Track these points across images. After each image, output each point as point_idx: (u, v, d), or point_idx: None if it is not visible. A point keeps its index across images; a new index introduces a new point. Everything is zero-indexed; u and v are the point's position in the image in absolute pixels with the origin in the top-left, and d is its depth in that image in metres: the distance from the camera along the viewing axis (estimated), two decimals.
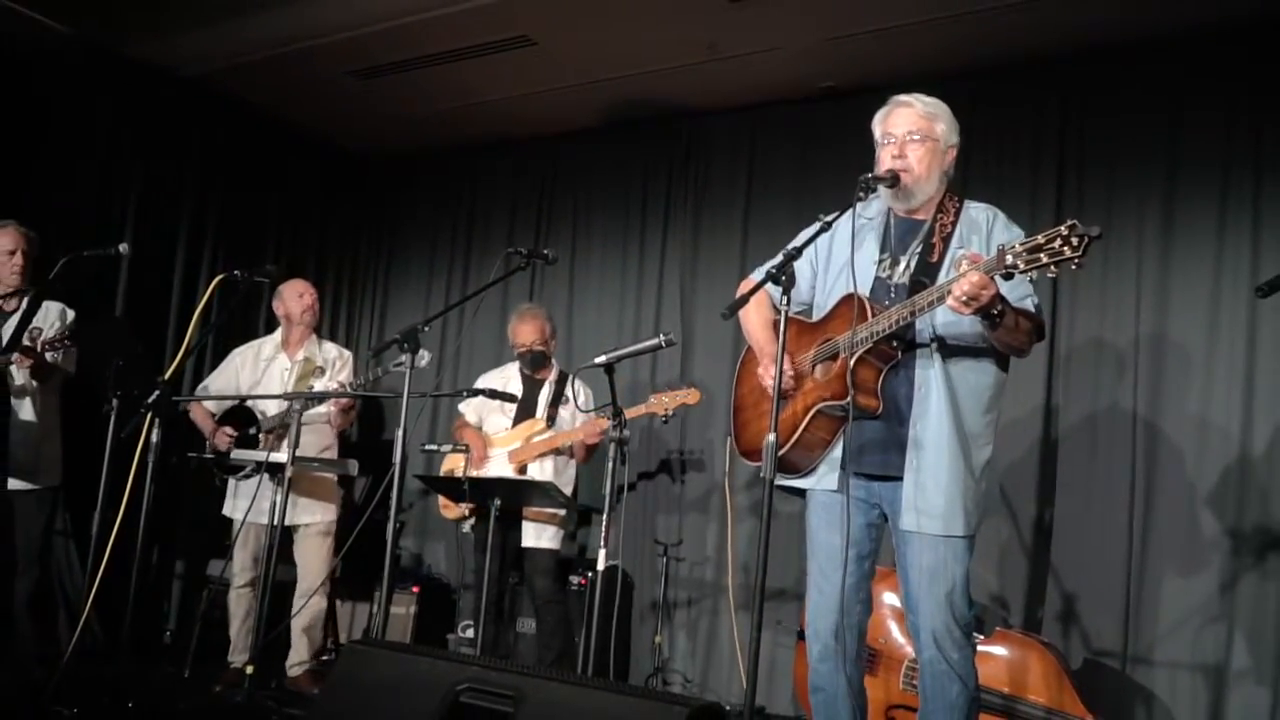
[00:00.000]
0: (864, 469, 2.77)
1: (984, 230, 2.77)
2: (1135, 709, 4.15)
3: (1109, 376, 4.47)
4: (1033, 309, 2.68)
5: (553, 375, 4.82)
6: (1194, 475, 4.23)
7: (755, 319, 2.98)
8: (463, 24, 4.79)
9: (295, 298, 4.82)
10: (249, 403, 4.66)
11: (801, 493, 2.92)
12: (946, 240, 2.75)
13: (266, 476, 4.36)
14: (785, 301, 2.51)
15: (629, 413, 4.31)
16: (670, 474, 5.42)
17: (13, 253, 4.31)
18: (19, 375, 4.20)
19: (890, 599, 3.85)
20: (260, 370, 4.79)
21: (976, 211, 2.83)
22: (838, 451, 2.78)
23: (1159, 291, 4.40)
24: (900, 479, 2.70)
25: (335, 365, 4.78)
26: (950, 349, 2.70)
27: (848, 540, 2.73)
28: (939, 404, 2.67)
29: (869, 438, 2.75)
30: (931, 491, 2.66)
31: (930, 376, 2.69)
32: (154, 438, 3.55)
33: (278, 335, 4.90)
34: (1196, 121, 4.40)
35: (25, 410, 4.29)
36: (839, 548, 2.74)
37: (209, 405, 4.77)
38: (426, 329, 3.41)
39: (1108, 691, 4.14)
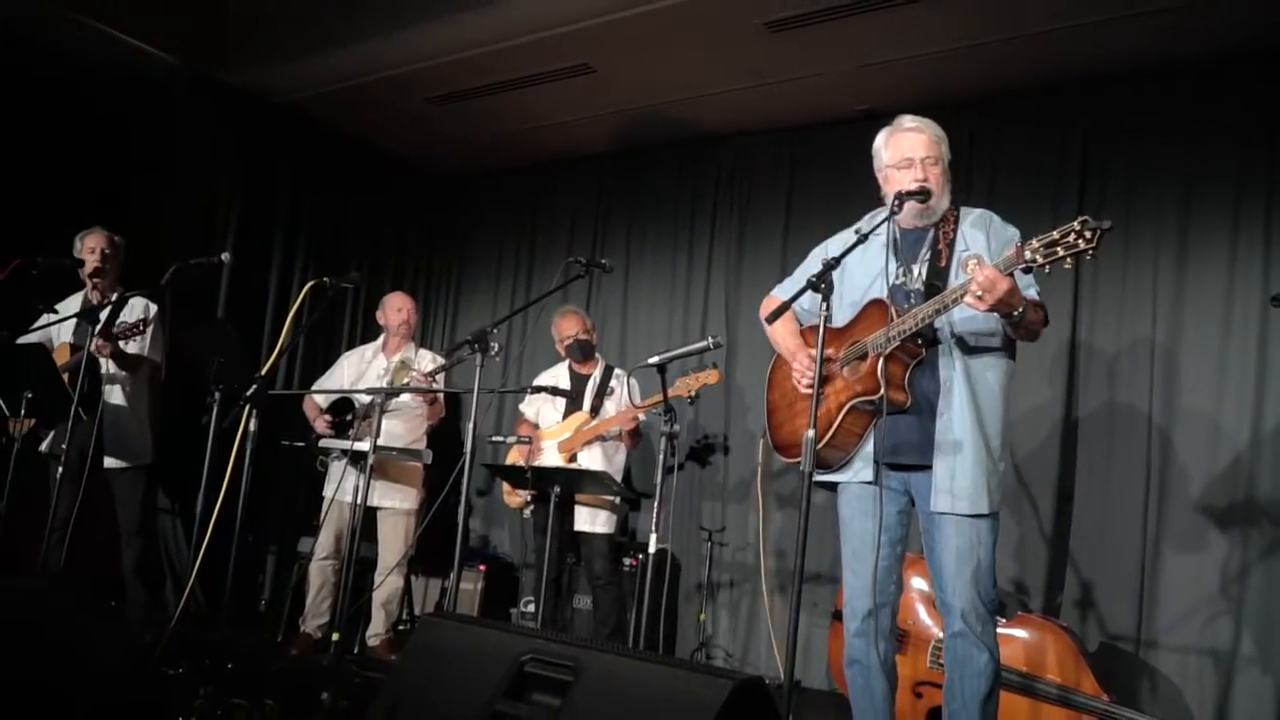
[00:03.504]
0: (898, 460, 2.77)
1: (984, 230, 2.79)
2: (1147, 690, 4.08)
3: (1126, 376, 4.39)
4: (1035, 297, 2.69)
5: (598, 370, 4.84)
6: (1206, 469, 4.16)
7: (783, 329, 3.00)
8: (529, 54, 4.83)
9: (394, 311, 5.03)
10: (351, 395, 4.80)
11: (832, 486, 2.92)
12: (951, 245, 2.78)
13: (350, 461, 4.52)
14: (825, 307, 2.51)
15: (655, 399, 4.31)
16: (715, 465, 5.41)
17: (94, 250, 4.42)
18: (107, 364, 4.30)
19: (919, 584, 3.82)
20: (362, 369, 4.97)
21: (974, 216, 2.85)
22: (869, 447, 2.77)
23: (1174, 297, 4.32)
24: (929, 468, 2.71)
25: (426, 368, 4.86)
26: (968, 345, 2.72)
27: (880, 526, 2.73)
28: (961, 396, 2.69)
29: (901, 431, 2.74)
30: (959, 476, 2.66)
31: (953, 372, 2.71)
32: (251, 427, 3.62)
33: (380, 340, 5.08)
34: (1212, 140, 4.31)
35: (115, 396, 4.39)
36: (873, 533, 2.74)
37: (318, 398, 4.96)
38: (495, 330, 3.44)
39: (1122, 673, 4.07)
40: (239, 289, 5.63)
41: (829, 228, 5.11)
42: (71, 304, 4.41)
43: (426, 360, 4.93)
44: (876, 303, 2.75)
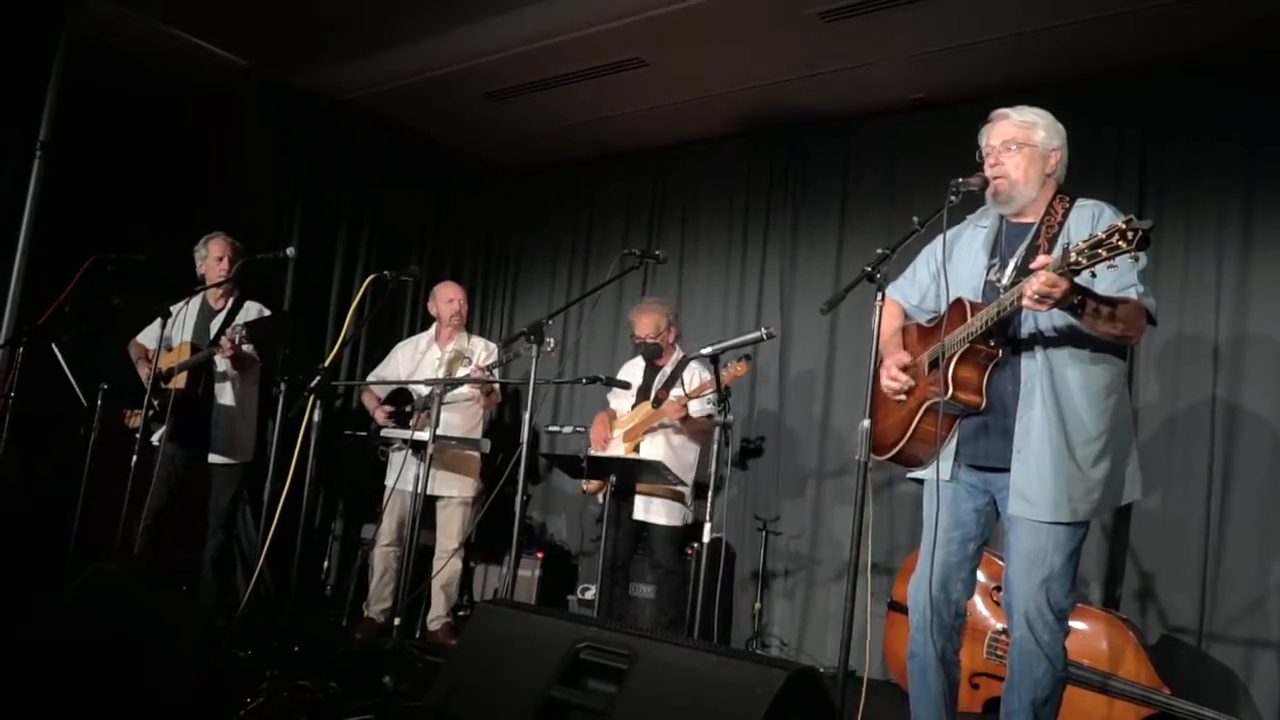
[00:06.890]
0: (977, 460, 2.70)
1: (1090, 225, 2.60)
2: (1209, 683, 3.95)
3: (1189, 366, 4.25)
4: (1135, 297, 2.51)
5: (672, 362, 4.78)
6: (1271, 460, 4.01)
7: (884, 328, 2.88)
8: (582, 48, 4.82)
9: (445, 302, 4.99)
10: (409, 386, 4.83)
11: (921, 482, 2.88)
12: (1053, 240, 2.61)
13: (411, 451, 4.52)
14: (880, 298, 2.49)
15: (698, 386, 4.27)
16: (770, 455, 5.36)
17: (221, 259, 4.55)
18: (221, 363, 4.41)
19: (978, 575, 3.75)
20: (417, 360, 4.98)
21: (1085, 208, 2.68)
22: (953, 446, 2.72)
23: (1239, 290, 4.17)
24: (1009, 470, 2.61)
25: (480, 356, 4.88)
26: (1053, 343, 2.58)
27: (950, 521, 2.70)
28: (1043, 396, 2.56)
29: (980, 430, 2.67)
30: (1036, 480, 2.55)
31: (1035, 371, 2.58)
32: (316, 417, 3.67)
33: (432, 330, 5.07)
34: (1275, 133, 4.13)
35: (225, 395, 4.49)
36: (943, 528, 2.70)
37: (376, 389, 4.99)
38: (550, 322, 3.45)
39: (1182, 666, 3.96)
40: (304, 282, 5.72)
41: (884, 217, 5.14)
42: (193, 305, 4.52)
43: (479, 348, 4.94)
44: (957, 302, 2.66)
